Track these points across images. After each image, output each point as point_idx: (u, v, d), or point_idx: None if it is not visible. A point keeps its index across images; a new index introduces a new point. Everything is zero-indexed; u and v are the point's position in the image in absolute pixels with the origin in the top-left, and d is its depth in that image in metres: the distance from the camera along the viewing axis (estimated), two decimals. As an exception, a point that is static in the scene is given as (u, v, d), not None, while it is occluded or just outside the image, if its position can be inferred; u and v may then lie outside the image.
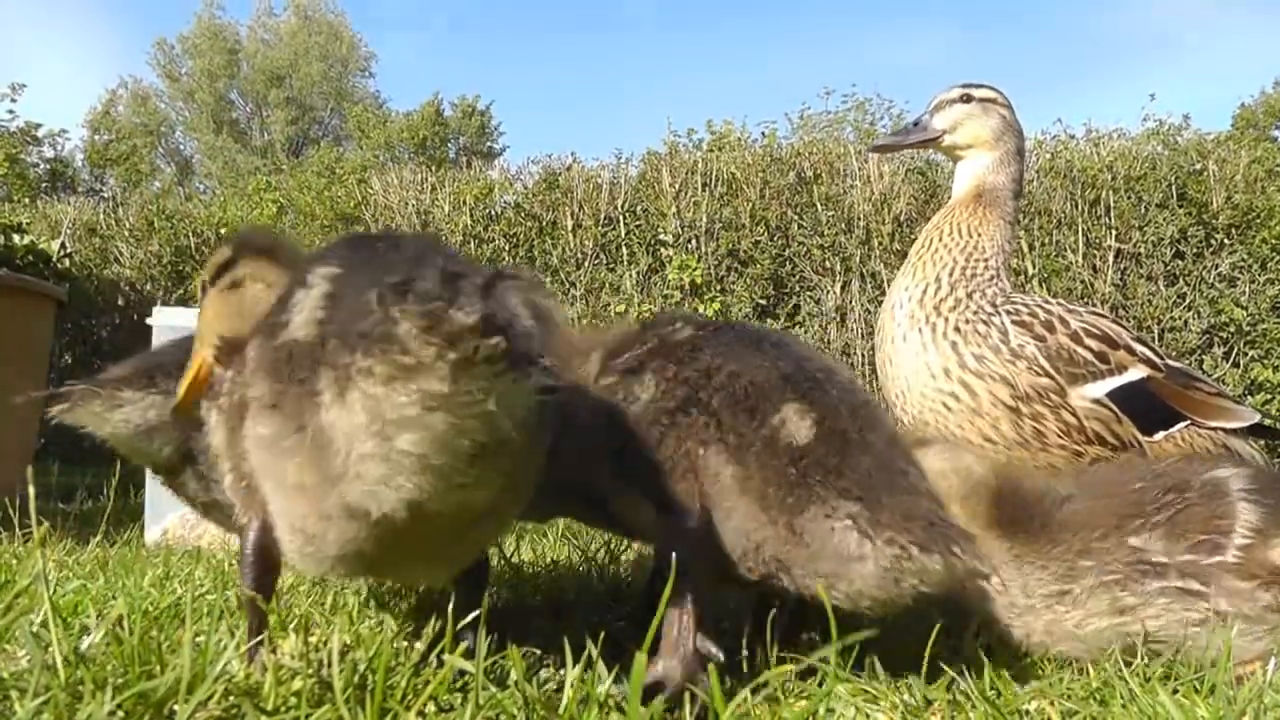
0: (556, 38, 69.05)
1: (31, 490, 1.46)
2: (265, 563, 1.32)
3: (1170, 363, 2.50)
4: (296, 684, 1.20)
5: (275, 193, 13.47)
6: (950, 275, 2.55)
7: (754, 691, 1.24)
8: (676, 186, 10.88)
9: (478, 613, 1.29)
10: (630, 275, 10.70)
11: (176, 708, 1.10)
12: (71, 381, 1.78)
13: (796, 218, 10.77)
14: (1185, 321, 10.16)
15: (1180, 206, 10.39)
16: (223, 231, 12.15)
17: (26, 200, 15.93)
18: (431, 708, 1.22)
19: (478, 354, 0.96)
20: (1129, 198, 10.46)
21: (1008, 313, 2.49)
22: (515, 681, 1.23)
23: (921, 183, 10.71)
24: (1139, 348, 2.48)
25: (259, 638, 1.32)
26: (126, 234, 12.14)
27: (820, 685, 1.42)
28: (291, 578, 2.26)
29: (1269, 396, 9.98)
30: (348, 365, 1.02)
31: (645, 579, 2.00)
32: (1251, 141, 12.66)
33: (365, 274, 1.14)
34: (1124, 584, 1.63)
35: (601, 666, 1.31)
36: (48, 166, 27.49)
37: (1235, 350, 10.18)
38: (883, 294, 10.22)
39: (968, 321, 2.49)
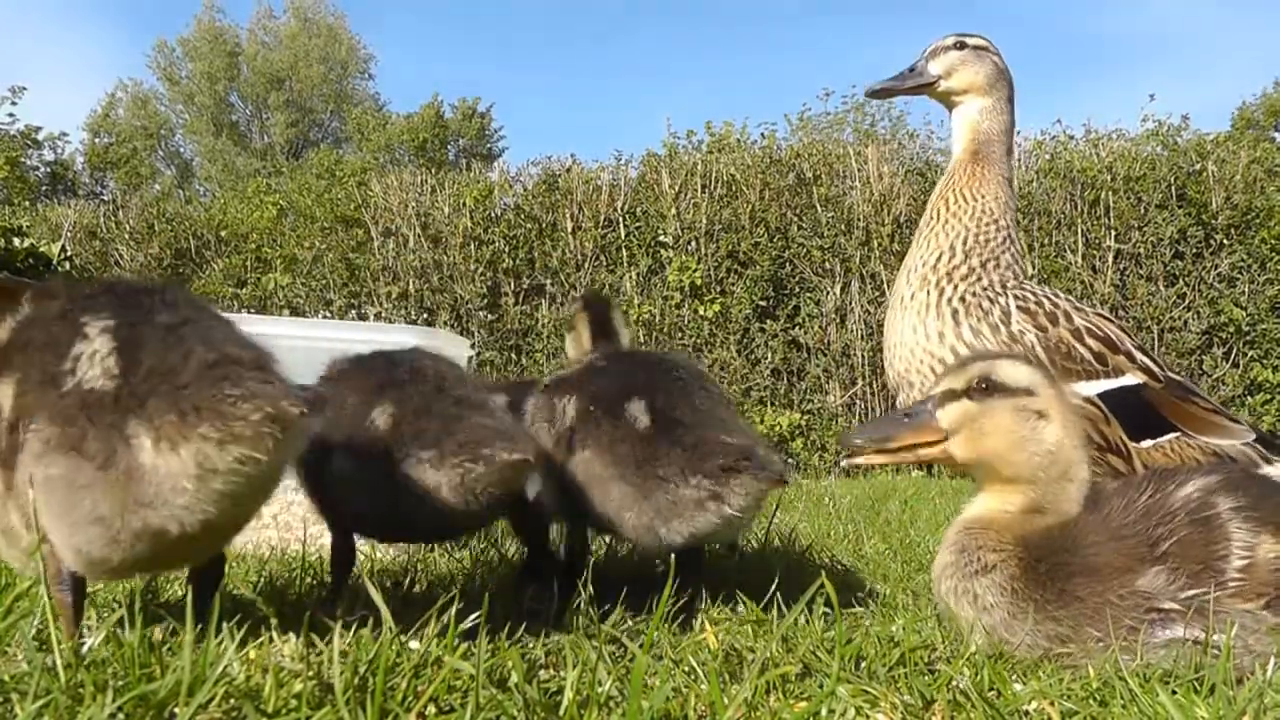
0: (556, 39, 69.14)
1: (31, 493, 1.46)
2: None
3: (1171, 375, 2.50)
4: (297, 686, 1.21)
5: (275, 195, 13.48)
6: (964, 243, 2.60)
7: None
8: (676, 188, 10.88)
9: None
10: (630, 277, 10.70)
11: (177, 710, 1.10)
12: None
13: (796, 219, 10.77)
14: (1185, 322, 10.17)
15: (1180, 207, 10.39)
16: (223, 234, 12.17)
17: (27, 203, 15.96)
18: (432, 709, 1.22)
19: (289, 429, 1.29)
20: (1128, 198, 10.47)
21: (1015, 297, 2.52)
22: (515, 684, 1.24)
23: (921, 183, 10.71)
24: (1140, 356, 2.48)
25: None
26: (127, 237, 12.15)
27: (821, 686, 1.42)
28: (292, 579, 2.26)
29: (1269, 397, 9.98)
30: (175, 423, 1.27)
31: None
32: (1251, 141, 12.65)
33: (155, 335, 1.39)
34: (1130, 639, 1.61)
35: (602, 670, 1.31)
36: (48, 170, 27.53)
37: (1235, 350, 10.18)
38: (883, 295, 10.21)
39: (974, 295, 2.53)
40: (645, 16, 68.18)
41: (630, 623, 1.88)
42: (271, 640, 1.46)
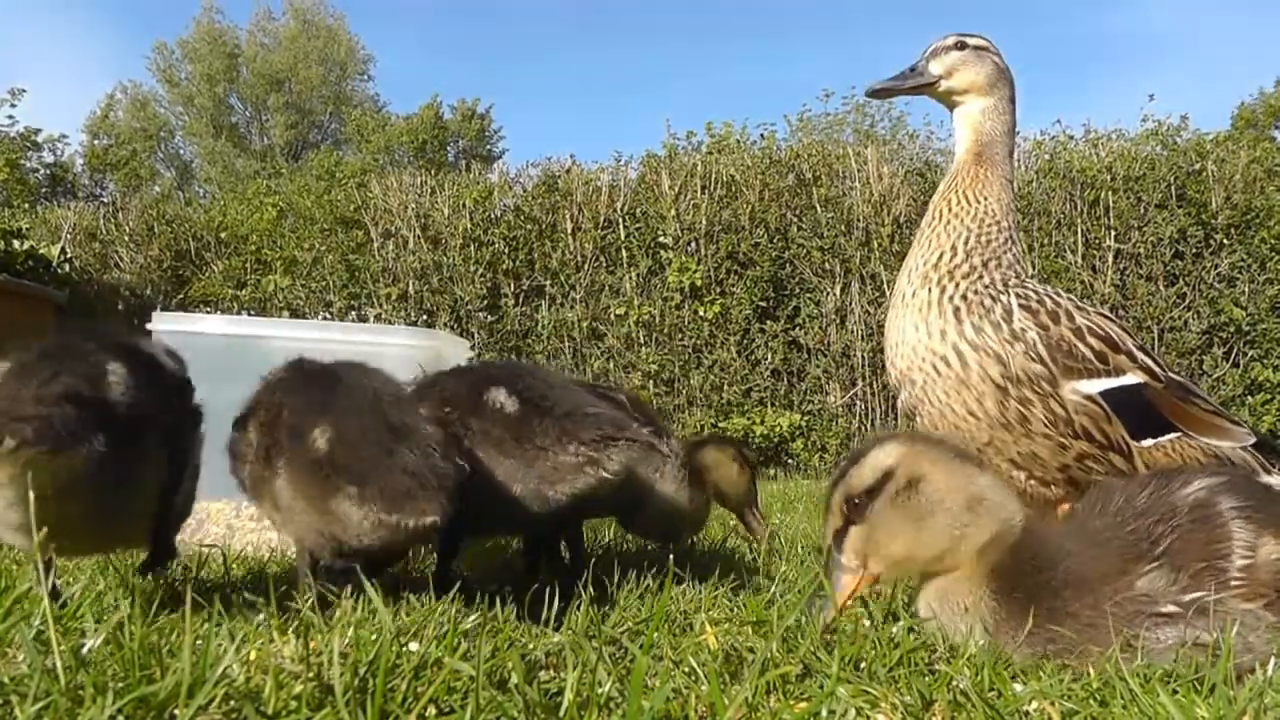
0: (556, 39, 69.17)
1: (31, 495, 1.46)
2: None
3: (1172, 376, 2.51)
4: (297, 687, 1.21)
5: (275, 197, 13.47)
6: (966, 243, 2.60)
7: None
8: (676, 189, 10.87)
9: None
10: (630, 278, 10.70)
11: (177, 712, 1.10)
12: None
13: (796, 220, 10.77)
14: (1185, 321, 10.17)
15: (1179, 207, 10.39)
16: (222, 236, 12.17)
17: (26, 205, 15.95)
18: (432, 710, 1.22)
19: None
20: (1128, 198, 10.46)
21: (1017, 295, 2.52)
22: (515, 685, 1.24)
23: (921, 184, 10.71)
24: (1141, 356, 2.48)
25: None
26: (126, 239, 12.15)
27: (821, 687, 1.42)
28: (292, 580, 2.26)
29: (1269, 396, 9.98)
30: None
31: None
32: (1251, 141, 12.66)
33: None
34: (1130, 640, 1.60)
35: (602, 670, 1.31)
36: (48, 172, 27.55)
37: (1235, 350, 10.17)
38: (883, 295, 10.21)
39: (976, 293, 2.53)
40: (645, 16, 68.21)
41: (630, 623, 1.89)
42: (271, 641, 1.46)
